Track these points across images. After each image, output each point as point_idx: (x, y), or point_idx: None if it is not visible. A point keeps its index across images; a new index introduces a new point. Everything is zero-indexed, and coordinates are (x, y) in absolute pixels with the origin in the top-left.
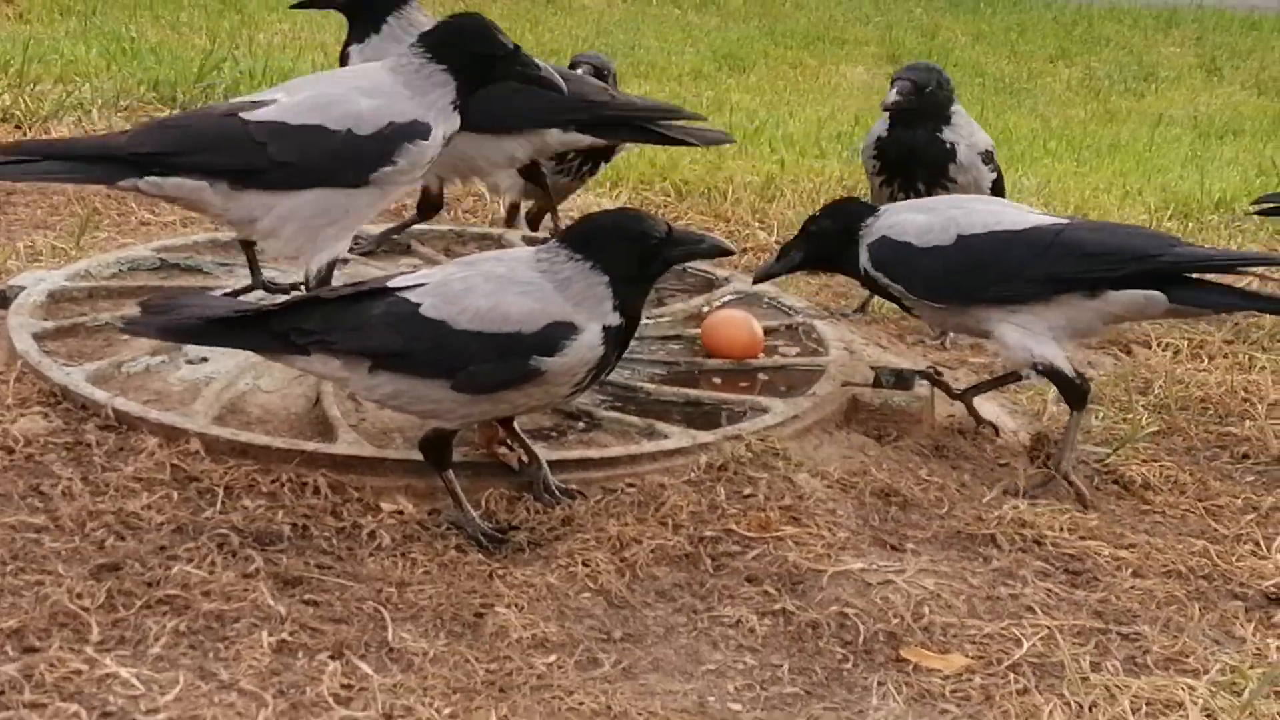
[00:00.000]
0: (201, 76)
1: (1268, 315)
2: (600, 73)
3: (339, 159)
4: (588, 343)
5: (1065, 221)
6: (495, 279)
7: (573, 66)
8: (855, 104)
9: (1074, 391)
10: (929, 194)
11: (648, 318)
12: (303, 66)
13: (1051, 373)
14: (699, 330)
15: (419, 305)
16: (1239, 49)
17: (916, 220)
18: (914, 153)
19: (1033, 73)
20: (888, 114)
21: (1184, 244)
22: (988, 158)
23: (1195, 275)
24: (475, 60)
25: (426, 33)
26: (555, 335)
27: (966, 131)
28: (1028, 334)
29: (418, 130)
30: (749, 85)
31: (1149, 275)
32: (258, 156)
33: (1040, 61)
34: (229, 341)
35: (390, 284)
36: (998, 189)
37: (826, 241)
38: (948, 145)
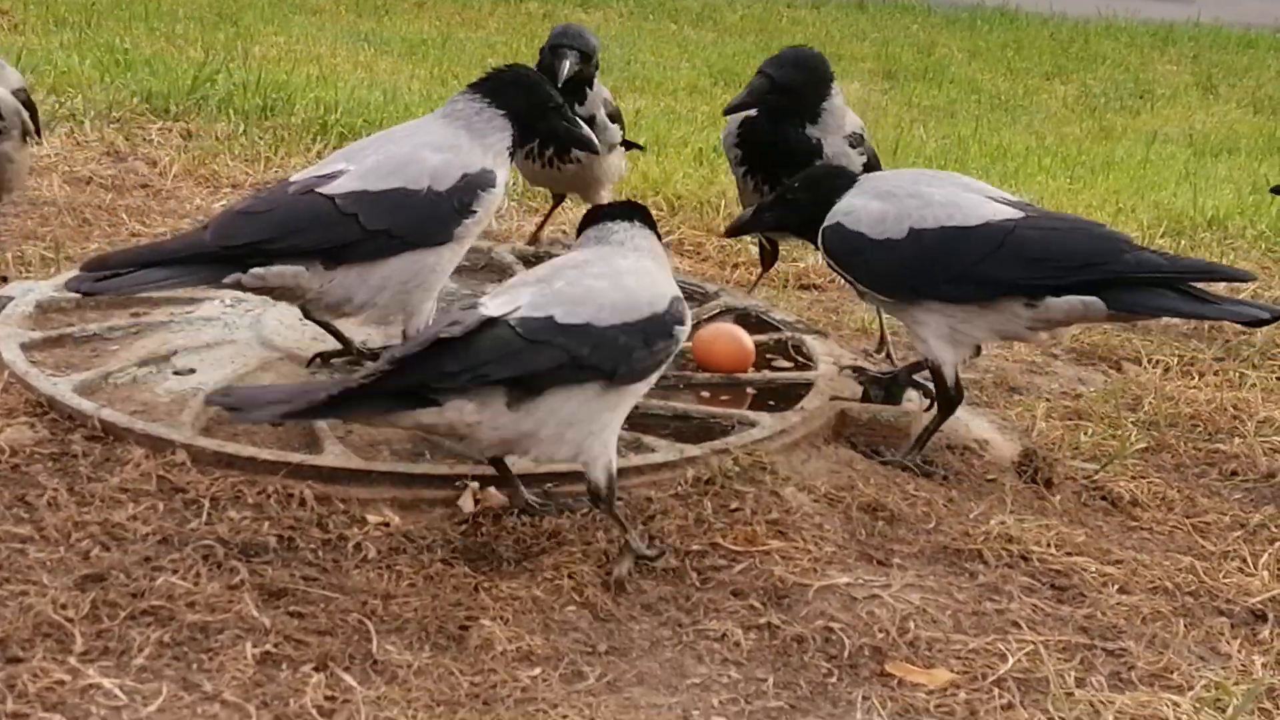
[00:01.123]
0: (195, 88)
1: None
2: (585, 55)
3: (426, 219)
4: None
5: (1019, 215)
6: (605, 273)
7: (554, 49)
8: None
9: (946, 399)
10: None
11: None
12: (297, 79)
13: (936, 373)
14: (689, 343)
15: (552, 315)
16: (1235, 67)
17: (871, 209)
18: (775, 146)
19: (1029, 90)
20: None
21: (1134, 247)
22: (856, 140)
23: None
24: (531, 109)
25: (481, 80)
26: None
27: (835, 123)
28: (945, 332)
29: (488, 179)
30: None
31: (1090, 284)
32: (350, 229)
33: (1036, 78)
34: (349, 413)
35: (496, 310)
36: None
37: (797, 211)
38: (813, 141)
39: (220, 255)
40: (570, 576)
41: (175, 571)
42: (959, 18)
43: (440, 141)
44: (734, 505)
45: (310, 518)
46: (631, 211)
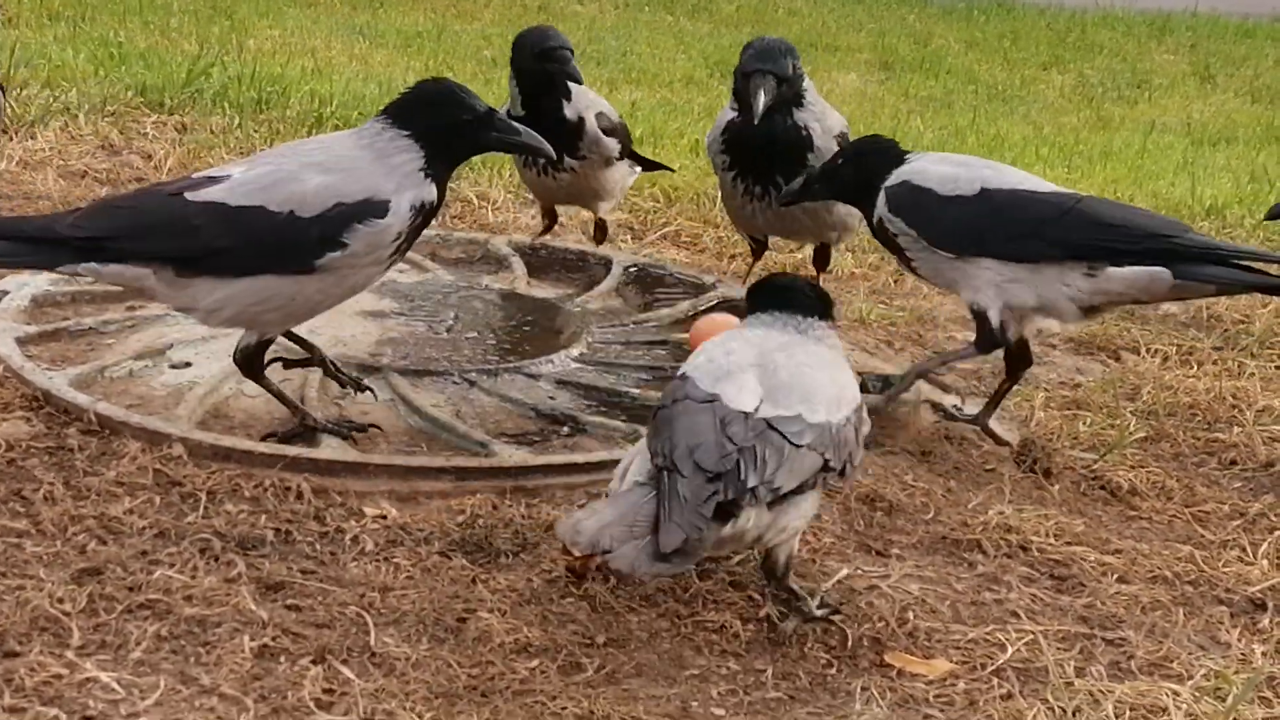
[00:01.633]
0: (189, 82)
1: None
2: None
3: (280, 245)
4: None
5: (1082, 195)
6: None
7: (537, 51)
8: (848, 110)
9: (988, 340)
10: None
11: (634, 322)
12: (291, 72)
13: (980, 318)
14: (686, 334)
15: (800, 414)
16: (1233, 56)
17: (942, 170)
18: (771, 142)
19: (1026, 80)
20: (736, 102)
21: (1194, 232)
22: (843, 140)
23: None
24: (441, 126)
25: (392, 101)
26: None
27: (820, 112)
28: (995, 285)
29: (370, 209)
30: None
31: (1156, 254)
32: (193, 242)
33: (1033, 69)
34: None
35: (743, 404)
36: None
37: (848, 182)
38: (804, 131)
39: (70, 243)
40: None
41: (172, 565)
42: (955, 8)
43: (335, 162)
44: None
45: (307, 511)
46: (817, 302)
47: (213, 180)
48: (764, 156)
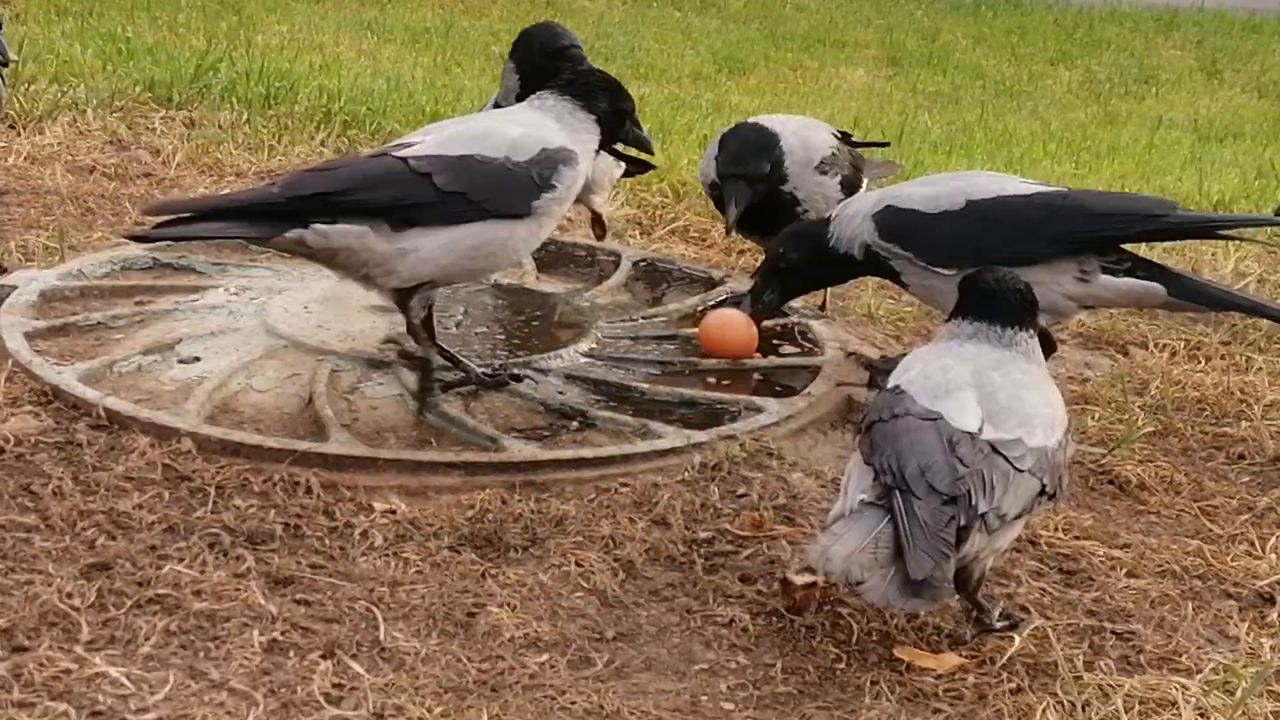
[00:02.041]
0: (198, 77)
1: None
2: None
3: (503, 187)
4: None
5: (1065, 190)
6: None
7: (549, 50)
8: (856, 106)
9: None
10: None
11: (643, 317)
12: (300, 68)
13: None
14: (695, 330)
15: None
16: (1240, 52)
17: (918, 192)
18: (754, 209)
19: (1033, 75)
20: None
21: (1182, 208)
22: (827, 164)
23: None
24: (616, 115)
25: (569, 82)
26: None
27: (801, 166)
28: None
29: (569, 156)
30: (749, 87)
31: (1156, 234)
32: (423, 189)
33: (1041, 64)
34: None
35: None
36: (852, 185)
37: (800, 268)
38: (788, 196)
39: (285, 209)
40: (578, 563)
41: (181, 560)
42: (963, 4)
43: (526, 119)
44: (741, 491)
45: (317, 505)
46: (1025, 311)
47: (405, 144)
48: (751, 218)
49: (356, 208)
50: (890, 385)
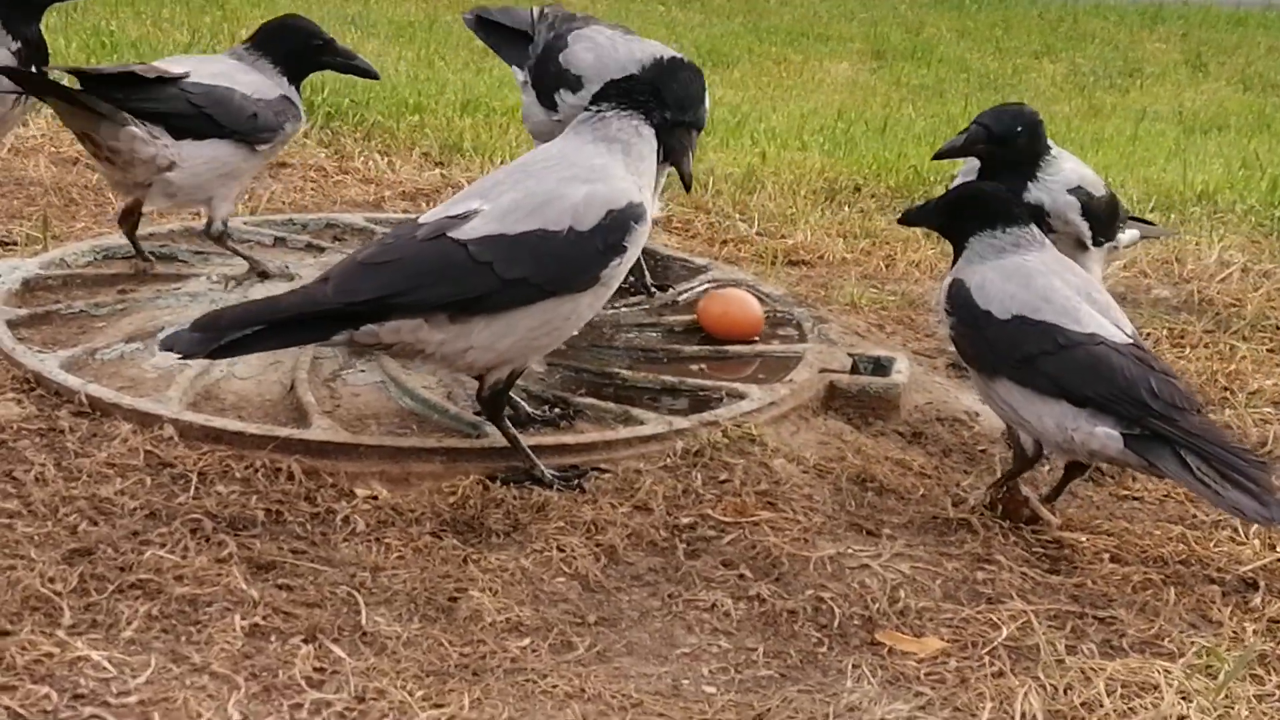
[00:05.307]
0: None
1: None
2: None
3: (570, 263)
4: None
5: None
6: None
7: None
8: (839, 99)
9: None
10: None
11: (624, 305)
12: None
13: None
14: (677, 317)
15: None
16: (1224, 45)
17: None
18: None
19: (1018, 69)
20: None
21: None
22: (1084, 200)
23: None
24: (673, 120)
25: (620, 88)
26: None
27: (1056, 180)
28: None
29: (638, 213)
30: (733, 81)
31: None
32: (485, 279)
33: (1025, 57)
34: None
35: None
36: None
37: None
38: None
39: (343, 313)
40: (559, 548)
41: (163, 545)
42: None
43: (589, 171)
44: (723, 477)
45: (299, 491)
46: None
47: (464, 218)
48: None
49: (411, 306)
50: (1006, 316)
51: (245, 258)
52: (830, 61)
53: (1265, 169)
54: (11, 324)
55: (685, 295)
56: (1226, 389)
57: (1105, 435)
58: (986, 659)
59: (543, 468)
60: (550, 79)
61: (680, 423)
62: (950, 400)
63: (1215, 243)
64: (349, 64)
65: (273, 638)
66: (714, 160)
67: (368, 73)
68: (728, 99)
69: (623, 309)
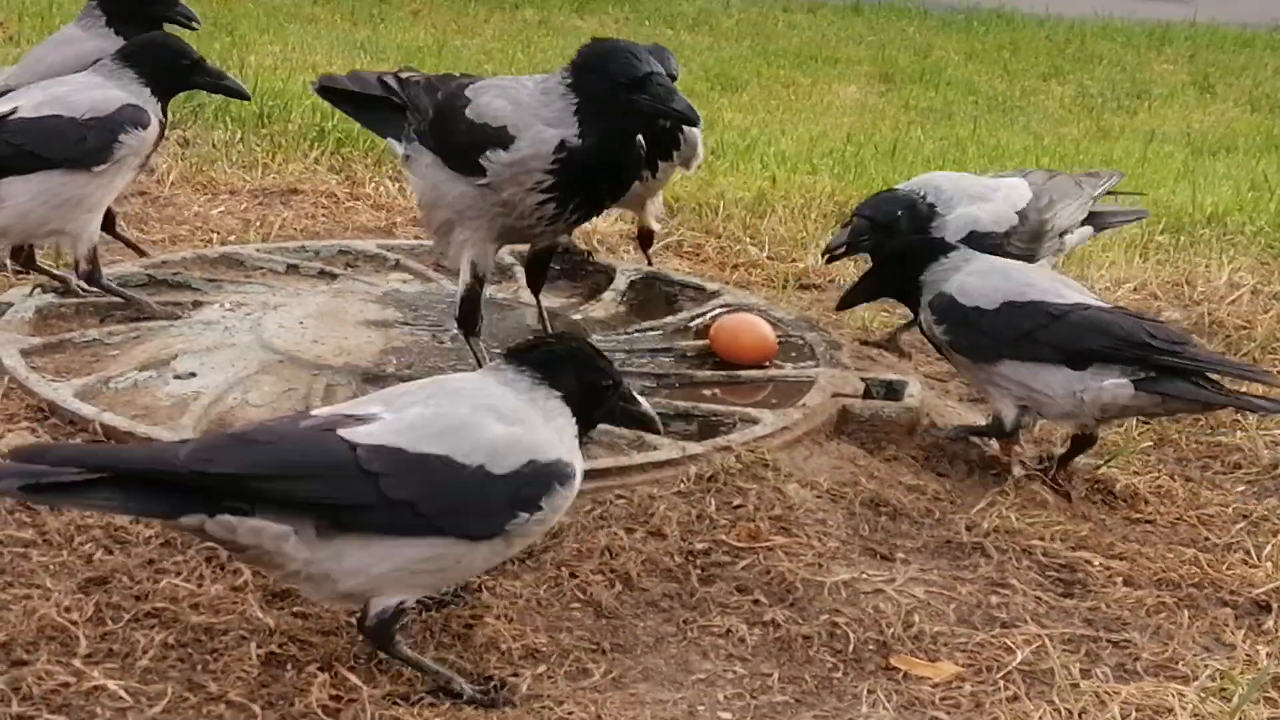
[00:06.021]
0: (191, 96)
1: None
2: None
3: (470, 506)
4: None
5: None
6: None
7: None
8: (848, 122)
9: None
10: None
11: (637, 330)
12: (293, 87)
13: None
14: (690, 342)
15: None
16: (1232, 66)
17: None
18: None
19: (1026, 91)
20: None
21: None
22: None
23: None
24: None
25: (522, 351)
26: None
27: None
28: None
29: (561, 472)
30: (742, 104)
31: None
32: (364, 491)
33: (1033, 79)
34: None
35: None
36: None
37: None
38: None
39: (196, 484)
40: (574, 575)
41: (178, 574)
42: (955, 20)
43: (510, 411)
44: (737, 502)
45: None
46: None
47: (360, 419)
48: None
49: (279, 498)
50: (995, 305)
51: (127, 299)
52: (839, 84)
53: (1274, 190)
54: (25, 353)
55: (697, 320)
56: (1238, 411)
57: (1115, 385)
58: (1001, 683)
59: (461, 681)
60: (464, 142)
61: (694, 448)
62: (963, 423)
63: (1225, 265)
64: (218, 84)
65: (289, 666)
66: (724, 184)
67: (238, 93)
68: (737, 122)
69: (635, 334)
